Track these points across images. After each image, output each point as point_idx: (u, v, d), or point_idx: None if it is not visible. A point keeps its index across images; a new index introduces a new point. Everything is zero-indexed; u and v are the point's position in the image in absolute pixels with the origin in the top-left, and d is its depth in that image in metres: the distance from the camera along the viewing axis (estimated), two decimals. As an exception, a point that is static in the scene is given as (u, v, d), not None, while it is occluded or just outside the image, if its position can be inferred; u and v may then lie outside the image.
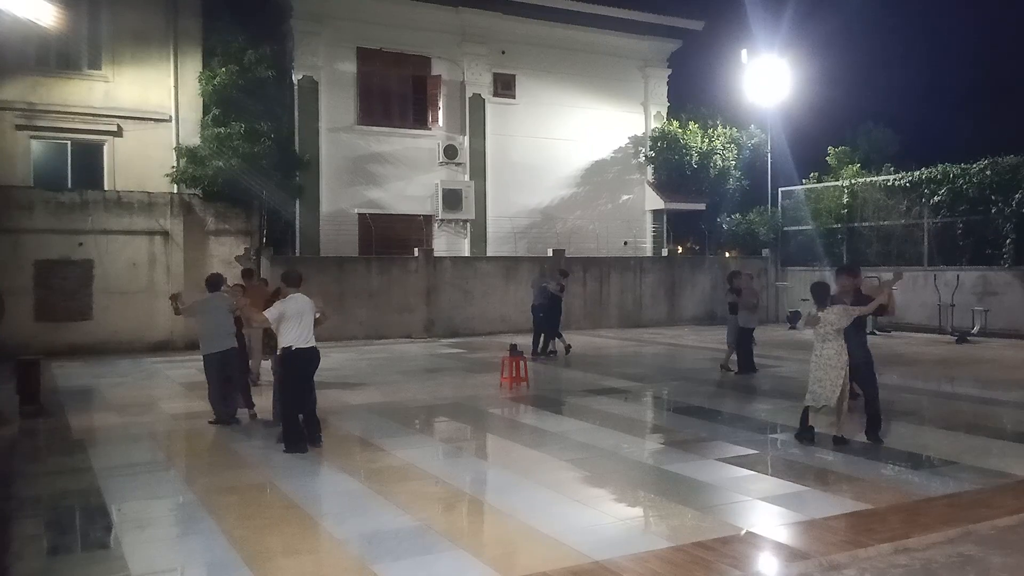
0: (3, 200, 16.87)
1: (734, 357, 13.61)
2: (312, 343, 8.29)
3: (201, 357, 9.75)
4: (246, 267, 13.78)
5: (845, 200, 24.23)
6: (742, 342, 13.53)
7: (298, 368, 8.25)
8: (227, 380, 9.56)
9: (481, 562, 5.18)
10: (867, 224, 23.73)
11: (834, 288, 8.71)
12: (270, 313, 8.24)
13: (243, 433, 9.21)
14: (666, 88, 27.05)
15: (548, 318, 16.20)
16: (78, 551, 5.78)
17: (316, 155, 21.79)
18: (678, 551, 5.29)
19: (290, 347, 8.18)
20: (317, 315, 8.44)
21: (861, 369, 8.36)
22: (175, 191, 18.76)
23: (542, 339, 16.09)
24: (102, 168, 19.24)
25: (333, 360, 15.55)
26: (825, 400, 8.19)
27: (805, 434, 8.46)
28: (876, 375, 8.56)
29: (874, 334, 20.48)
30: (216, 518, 6.11)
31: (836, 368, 8.08)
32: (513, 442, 8.89)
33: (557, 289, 16.22)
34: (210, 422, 9.53)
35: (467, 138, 24.04)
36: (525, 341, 16.20)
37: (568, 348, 16.41)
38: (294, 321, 8.15)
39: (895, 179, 23.05)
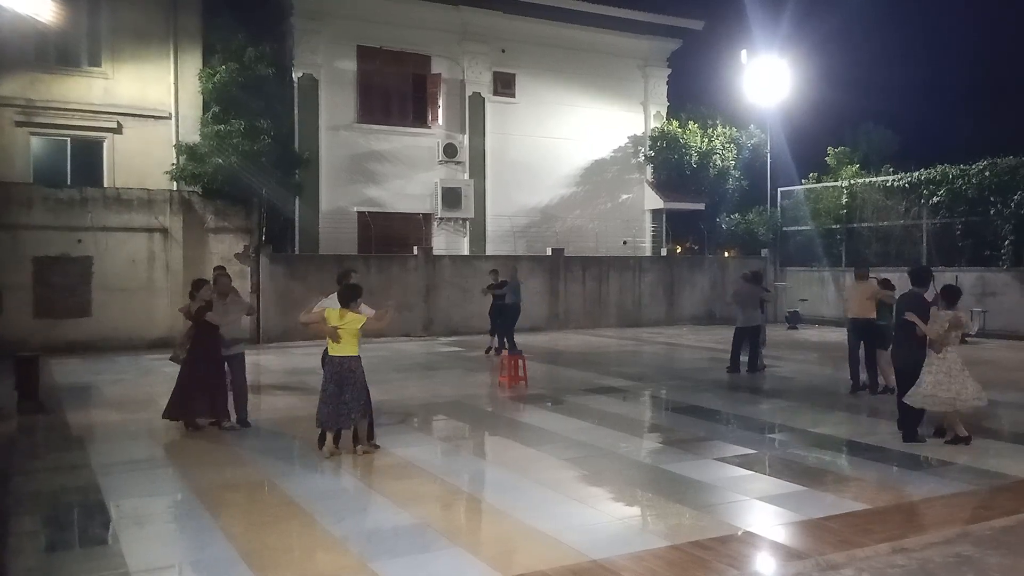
0: (2, 196, 16.84)
1: (744, 357, 13.75)
2: (325, 346, 8.08)
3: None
4: (217, 265, 13.19)
5: (844, 200, 24.25)
6: (734, 339, 13.72)
7: None
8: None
9: (479, 560, 5.19)
10: (866, 225, 23.75)
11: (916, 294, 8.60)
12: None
13: (242, 431, 9.20)
14: (666, 88, 27.07)
15: (495, 318, 16.66)
16: (76, 547, 5.78)
17: (316, 153, 21.79)
18: (676, 550, 5.30)
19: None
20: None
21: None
22: (174, 188, 18.74)
23: (505, 340, 16.14)
24: (102, 165, 19.24)
25: (332, 358, 15.55)
26: (948, 404, 8.13)
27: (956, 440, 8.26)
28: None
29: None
30: (214, 515, 6.11)
31: (963, 370, 8.15)
32: (511, 441, 8.90)
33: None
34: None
35: (467, 137, 24.04)
36: (524, 340, 16.22)
37: (491, 351, 16.48)
38: None
39: (894, 180, 23.07)
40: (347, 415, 7.84)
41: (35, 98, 18.53)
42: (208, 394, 9.12)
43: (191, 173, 18.32)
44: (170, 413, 9.18)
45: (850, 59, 42.78)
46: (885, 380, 11.29)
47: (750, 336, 13.62)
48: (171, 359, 11.79)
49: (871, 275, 12.10)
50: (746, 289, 13.81)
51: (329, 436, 7.94)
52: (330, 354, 7.90)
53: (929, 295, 8.77)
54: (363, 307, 8.05)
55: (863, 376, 11.64)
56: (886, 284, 11.62)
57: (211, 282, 9.81)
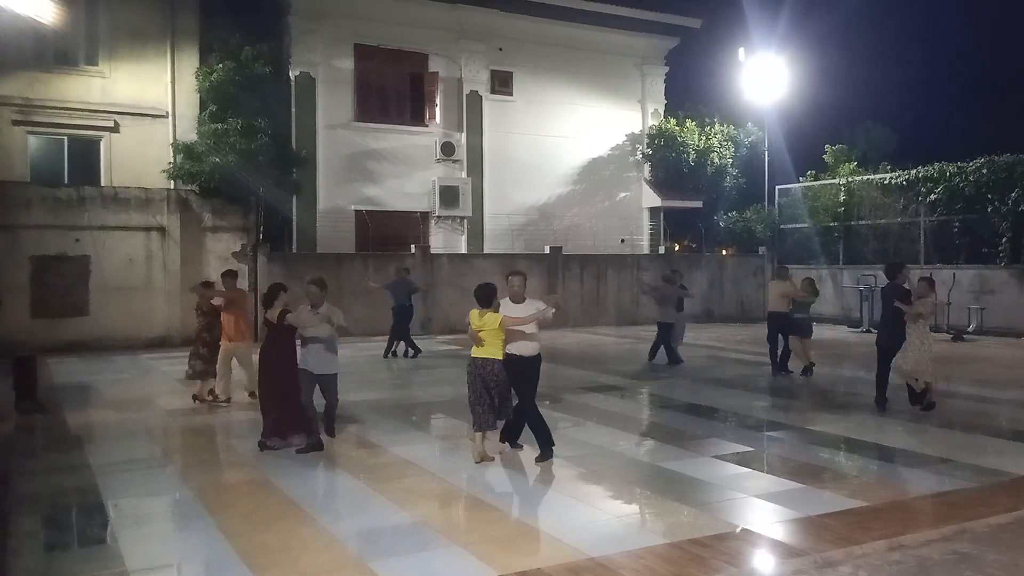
0: (0, 196, 16.83)
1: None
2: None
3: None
4: (227, 269, 11.71)
5: (842, 198, 24.26)
6: (659, 334, 14.72)
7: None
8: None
9: (477, 559, 5.20)
10: (864, 222, 23.77)
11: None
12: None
13: (241, 430, 9.20)
14: (663, 86, 27.07)
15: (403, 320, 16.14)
16: (75, 547, 5.78)
17: (313, 152, 21.78)
18: (674, 548, 5.31)
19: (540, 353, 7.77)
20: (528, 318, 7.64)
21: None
22: (172, 187, 18.72)
23: (399, 343, 15.93)
24: (99, 164, 19.20)
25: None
26: (918, 374, 9.85)
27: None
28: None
29: (869, 332, 20.53)
30: (213, 514, 6.11)
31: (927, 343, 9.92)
32: (510, 439, 8.89)
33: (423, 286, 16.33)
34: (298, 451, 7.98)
35: (464, 135, 24.03)
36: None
37: (417, 353, 16.21)
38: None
39: (892, 177, 23.09)
40: (492, 417, 7.68)
41: (32, 97, 18.49)
42: (277, 407, 8.12)
43: (188, 172, 18.30)
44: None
45: (848, 57, 42.89)
46: (805, 360, 13.01)
47: (663, 331, 14.61)
48: (188, 376, 11.33)
49: (809, 275, 14.60)
50: (663, 288, 15.03)
51: (479, 439, 7.65)
52: (472, 355, 7.64)
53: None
54: (530, 303, 7.62)
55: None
56: (809, 283, 13.29)
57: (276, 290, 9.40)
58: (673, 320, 14.67)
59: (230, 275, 11.06)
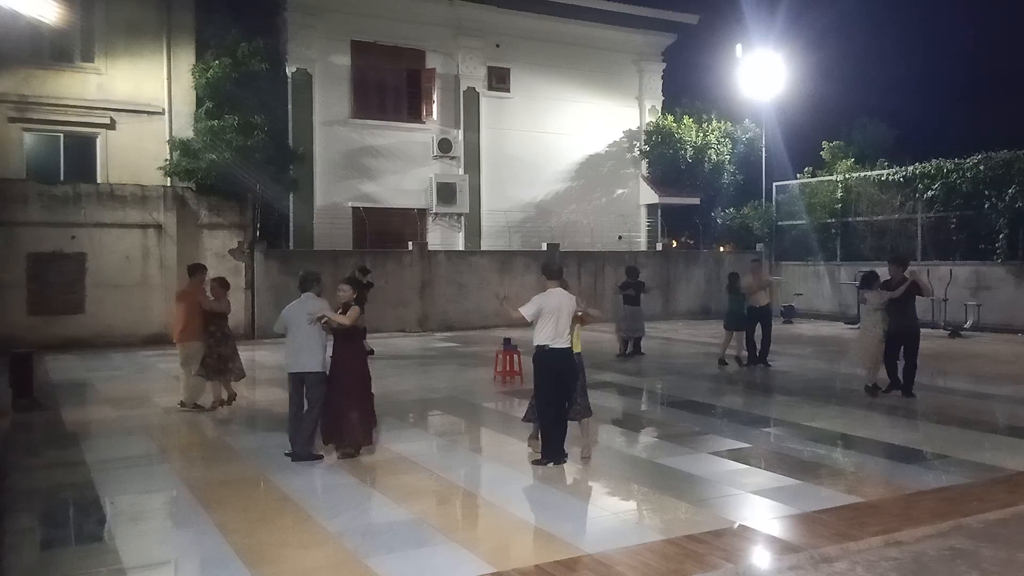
0: (-4, 193, 16.82)
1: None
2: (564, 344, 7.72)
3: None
4: (193, 263, 11.43)
5: (839, 195, 24.26)
6: None
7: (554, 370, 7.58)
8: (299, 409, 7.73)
9: (474, 555, 5.20)
10: (861, 219, 23.76)
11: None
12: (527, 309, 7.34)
13: (237, 427, 9.20)
14: (660, 82, 27.07)
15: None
16: (72, 544, 5.78)
17: (310, 148, 21.76)
18: (670, 544, 5.31)
19: (544, 346, 7.50)
20: (578, 312, 7.85)
21: (906, 338, 10.45)
22: (168, 184, 18.70)
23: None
24: (95, 161, 19.16)
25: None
26: (859, 361, 10.80)
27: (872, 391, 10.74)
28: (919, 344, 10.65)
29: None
30: (210, 512, 6.11)
31: (876, 337, 10.46)
32: (507, 436, 8.89)
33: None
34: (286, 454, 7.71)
35: (461, 132, 24.01)
36: (520, 335, 16.18)
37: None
38: (550, 319, 7.47)
39: (889, 174, 23.08)
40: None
41: (29, 94, 18.45)
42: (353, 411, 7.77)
43: (185, 169, 18.29)
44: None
45: (845, 53, 42.79)
46: (723, 351, 14.07)
47: None
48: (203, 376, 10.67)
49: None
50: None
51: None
52: None
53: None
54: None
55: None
56: (732, 278, 14.32)
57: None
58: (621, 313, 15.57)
59: (194, 270, 10.71)
